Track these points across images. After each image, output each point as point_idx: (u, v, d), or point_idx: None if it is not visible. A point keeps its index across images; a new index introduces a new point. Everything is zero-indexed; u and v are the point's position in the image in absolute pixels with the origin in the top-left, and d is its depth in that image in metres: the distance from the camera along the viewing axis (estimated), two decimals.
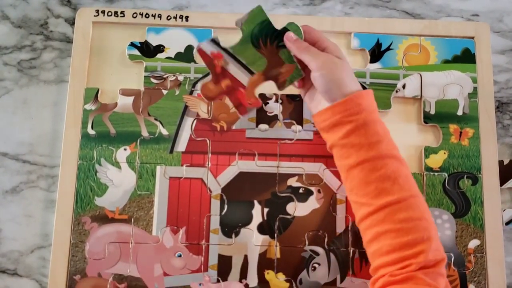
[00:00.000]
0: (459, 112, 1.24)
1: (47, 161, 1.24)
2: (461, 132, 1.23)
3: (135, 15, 1.27)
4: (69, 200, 1.18)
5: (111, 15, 1.27)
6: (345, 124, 1.00)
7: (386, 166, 0.97)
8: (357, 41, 1.27)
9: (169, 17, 1.26)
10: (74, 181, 1.19)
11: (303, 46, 1.06)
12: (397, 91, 1.24)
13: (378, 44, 1.27)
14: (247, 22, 1.07)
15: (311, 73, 1.04)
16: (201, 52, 1.07)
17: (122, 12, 1.27)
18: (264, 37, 1.08)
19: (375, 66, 1.26)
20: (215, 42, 1.08)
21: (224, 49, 1.08)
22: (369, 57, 1.27)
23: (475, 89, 1.25)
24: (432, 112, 1.24)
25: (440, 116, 1.24)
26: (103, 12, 1.26)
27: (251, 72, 1.08)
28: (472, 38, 1.27)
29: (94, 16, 1.26)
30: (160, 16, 1.27)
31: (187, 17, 1.26)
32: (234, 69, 1.08)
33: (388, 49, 1.27)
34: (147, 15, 1.26)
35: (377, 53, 1.27)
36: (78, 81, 1.23)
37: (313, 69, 1.03)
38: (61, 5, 1.32)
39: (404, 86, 1.24)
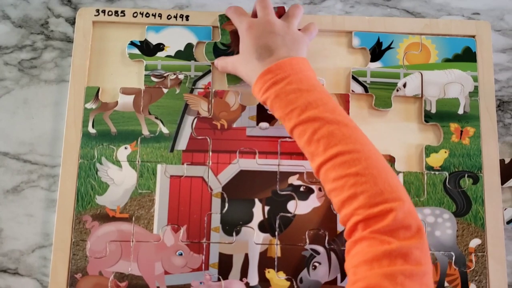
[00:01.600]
0: (460, 111, 1.24)
1: (48, 160, 1.24)
2: (462, 131, 1.23)
3: (135, 14, 1.27)
4: (70, 199, 1.17)
5: (111, 14, 1.27)
6: (265, 101, 1.07)
7: (325, 124, 0.99)
8: (358, 40, 1.27)
9: (169, 16, 1.26)
10: (75, 180, 1.18)
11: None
12: (397, 90, 1.24)
13: (379, 43, 1.27)
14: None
15: None
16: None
17: (122, 12, 1.27)
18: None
19: (376, 65, 1.26)
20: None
21: None
22: (369, 56, 1.26)
23: (476, 87, 1.25)
24: (433, 111, 1.24)
25: (441, 115, 1.23)
26: (103, 11, 1.26)
27: None
28: (473, 36, 1.27)
29: (95, 15, 1.26)
30: (160, 16, 1.27)
31: (187, 16, 1.26)
32: None
33: (388, 48, 1.27)
34: (147, 15, 1.27)
35: (377, 52, 1.27)
36: (79, 81, 1.23)
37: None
38: (62, 4, 1.32)
39: (404, 85, 1.24)
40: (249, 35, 1.12)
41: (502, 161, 1.22)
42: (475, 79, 1.25)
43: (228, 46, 1.24)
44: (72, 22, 1.31)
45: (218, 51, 1.24)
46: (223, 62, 1.20)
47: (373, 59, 1.26)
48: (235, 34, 1.22)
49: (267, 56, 1.07)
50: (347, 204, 0.93)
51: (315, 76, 1.08)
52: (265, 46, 1.08)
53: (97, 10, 1.26)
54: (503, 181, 1.21)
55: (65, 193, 1.18)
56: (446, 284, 1.15)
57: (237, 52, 1.19)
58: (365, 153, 0.95)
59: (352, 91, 1.24)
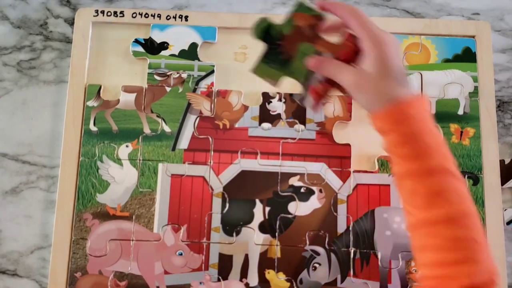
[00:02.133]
0: (460, 112, 1.24)
1: (47, 161, 1.24)
2: (462, 132, 1.23)
3: (134, 15, 1.27)
4: (69, 198, 1.18)
5: (110, 15, 1.27)
6: (390, 133, 0.93)
7: (434, 179, 0.91)
8: None
9: (168, 17, 1.27)
10: (74, 179, 1.19)
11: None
12: None
13: None
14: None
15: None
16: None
17: (121, 12, 1.27)
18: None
19: None
20: None
21: None
22: None
23: (475, 88, 1.25)
24: (433, 111, 1.24)
25: (440, 116, 1.24)
26: (102, 12, 1.27)
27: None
28: (473, 37, 1.27)
29: (94, 16, 1.27)
30: (159, 16, 1.27)
31: (186, 17, 1.27)
32: None
33: None
34: (146, 15, 1.27)
35: None
36: (78, 81, 1.23)
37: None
38: (61, 5, 1.32)
39: None
40: (386, 51, 0.93)
41: (502, 162, 1.22)
42: (475, 79, 1.26)
43: (281, 38, 1.00)
44: (71, 22, 1.30)
45: (269, 33, 1.01)
46: (338, 67, 0.95)
47: None
48: (298, 33, 0.99)
49: (404, 81, 0.95)
50: (444, 266, 0.92)
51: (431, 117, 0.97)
52: (401, 68, 0.95)
53: (96, 11, 1.27)
54: (503, 182, 1.21)
55: (64, 193, 1.18)
56: None
57: (286, 51, 0.99)
58: (471, 217, 0.93)
59: None
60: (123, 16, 1.27)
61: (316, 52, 0.97)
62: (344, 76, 0.94)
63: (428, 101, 0.98)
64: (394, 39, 0.95)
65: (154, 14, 1.27)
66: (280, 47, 1.00)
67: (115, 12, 1.27)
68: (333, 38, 0.98)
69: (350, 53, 0.95)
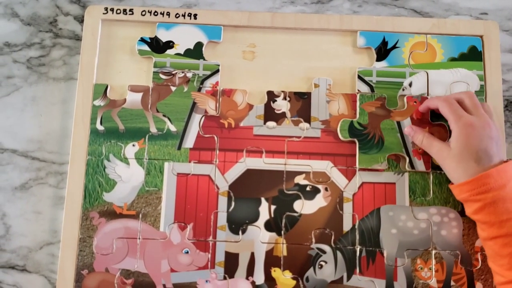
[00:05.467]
0: None
1: (56, 158, 1.24)
2: None
3: (143, 12, 1.27)
4: (78, 196, 1.18)
5: (119, 12, 1.27)
6: (473, 202, 1.05)
7: None
8: (363, 40, 1.27)
9: (177, 15, 1.27)
10: (83, 176, 1.19)
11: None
12: (403, 89, 1.24)
13: (384, 42, 1.27)
14: None
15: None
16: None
17: (130, 10, 1.27)
18: None
19: (382, 65, 1.26)
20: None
21: None
22: (375, 55, 1.27)
23: (481, 87, 1.24)
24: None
25: None
26: (111, 9, 1.27)
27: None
28: (481, 36, 1.26)
29: (103, 13, 1.27)
30: (168, 14, 1.27)
31: (195, 15, 1.27)
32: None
33: (394, 47, 1.27)
34: (155, 13, 1.27)
35: (383, 51, 1.27)
36: (87, 78, 1.23)
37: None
38: (70, 2, 1.33)
39: (410, 84, 1.24)
40: (470, 134, 1.09)
41: None
42: (481, 78, 1.25)
43: (364, 127, 1.23)
44: (80, 20, 1.31)
45: (353, 130, 1.23)
46: (427, 142, 1.16)
47: (379, 59, 1.27)
48: (374, 117, 1.23)
49: (487, 162, 1.06)
50: None
51: None
52: (486, 151, 1.07)
53: (106, 8, 1.27)
54: None
55: (73, 190, 1.18)
56: (452, 283, 1.15)
57: (374, 134, 1.21)
58: None
59: (358, 90, 1.24)
60: (132, 14, 1.27)
61: (397, 123, 1.23)
62: (432, 149, 1.16)
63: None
64: (484, 123, 1.10)
65: (163, 12, 1.27)
66: (367, 135, 1.22)
67: (124, 10, 1.27)
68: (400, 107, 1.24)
69: (419, 112, 1.22)
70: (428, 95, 1.24)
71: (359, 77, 1.25)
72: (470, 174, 1.06)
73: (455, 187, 1.09)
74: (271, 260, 1.17)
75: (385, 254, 1.17)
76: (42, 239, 1.21)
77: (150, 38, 1.27)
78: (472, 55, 1.26)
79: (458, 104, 1.12)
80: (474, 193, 1.04)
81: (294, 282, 1.16)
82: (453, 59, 1.26)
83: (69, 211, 1.17)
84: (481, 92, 1.24)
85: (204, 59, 1.26)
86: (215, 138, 1.21)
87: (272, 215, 1.18)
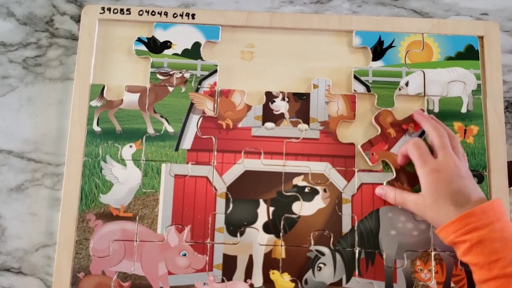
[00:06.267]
0: (463, 110, 1.23)
1: (52, 159, 1.24)
2: (465, 130, 1.22)
3: (141, 12, 1.26)
4: (74, 197, 1.17)
5: (117, 12, 1.26)
6: (460, 244, 1.03)
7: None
8: (359, 39, 1.27)
9: (175, 15, 1.26)
10: (79, 178, 1.18)
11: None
12: (400, 89, 1.24)
13: (380, 42, 1.27)
14: None
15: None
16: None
17: (128, 10, 1.26)
18: None
19: (378, 64, 1.26)
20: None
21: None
22: (371, 55, 1.26)
23: (479, 86, 1.24)
24: (436, 110, 1.23)
25: (444, 114, 1.23)
26: (108, 9, 1.26)
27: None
28: (481, 37, 1.26)
29: (100, 13, 1.26)
30: (166, 14, 1.26)
31: (193, 15, 1.26)
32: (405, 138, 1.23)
33: (390, 46, 1.26)
34: (153, 13, 1.26)
35: (379, 51, 1.26)
36: (84, 78, 1.23)
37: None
38: (67, 2, 1.32)
39: (407, 84, 1.24)
40: (438, 180, 1.08)
41: (510, 163, 1.21)
42: (478, 77, 1.25)
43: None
44: (77, 19, 1.30)
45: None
46: (400, 198, 1.15)
47: (375, 58, 1.26)
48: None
49: (465, 202, 1.05)
50: None
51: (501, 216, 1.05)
52: (460, 191, 1.06)
53: (103, 8, 1.26)
54: (511, 183, 1.20)
55: (70, 192, 1.17)
56: (452, 284, 1.15)
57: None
58: None
59: (354, 90, 1.24)
60: (130, 13, 1.26)
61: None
62: (407, 204, 1.14)
63: (500, 203, 1.06)
64: (450, 164, 1.11)
65: (161, 12, 1.26)
66: None
67: (121, 10, 1.26)
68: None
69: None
70: (425, 95, 1.24)
71: (355, 77, 1.25)
72: (450, 216, 1.05)
73: (440, 230, 1.07)
74: (270, 262, 1.16)
75: (384, 256, 1.16)
76: (38, 241, 1.20)
77: (147, 38, 1.26)
78: (469, 54, 1.26)
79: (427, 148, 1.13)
80: (459, 234, 1.02)
81: (293, 284, 1.15)
82: (449, 58, 1.26)
83: (65, 213, 1.17)
84: (478, 91, 1.24)
85: (202, 59, 1.25)
86: (213, 139, 1.21)
87: (271, 217, 1.18)
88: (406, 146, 1.15)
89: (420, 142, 1.13)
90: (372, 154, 1.20)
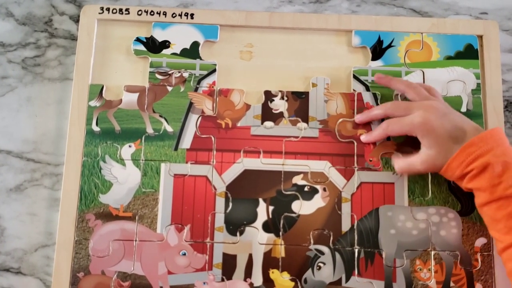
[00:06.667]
0: (463, 109, 1.23)
1: (51, 159, 1.24)
2: None
3: (140, 12, 1.26)
4: (74, 197, 1.17)
5: (115, 12, 1.26)
6: (467, 174, 1.05)
7: (510, 204, 1.00)
8: (358, 39, 1.27)
9: (174, 15, 1.26)
10: (78, 178, 1.18)
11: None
12: None
13: (380, 41, 1.27)
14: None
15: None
16: (359, 96, 1.24)
17: (127, 10, 1.26)
18: None
19: (377, 64, 1.26)
20: (375, 95, 1.24)
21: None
22: (370, 55, 1.26)
23: (478, 85, 1.24)
24: None
25: None
26: (107, 9, 1.26)
27: (388, 137, 1.21)
28: (481, 36, 1.26)
29: (99, 13, 1.26)
30: (165, 14, 1.26)
31: (192, 15, 1.26)
32: (376, 126, 1.21)
33: (389, 46, 1.26)
34: (152, 13, 1.26)
35: (378, 50, 1.26)
36: (83, 78, 1.23)
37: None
38: (66, 2, 1.32)
39: None
40: (432, 120, 1.09)
41: None
42: (477, 76, 1.25)
43: None
44: (76, 19, 1.30)
45: None
46: (405, 164, 1.15)
47: (374, 58, 1.26)
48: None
49: (462, 134, 1.07)
50: None
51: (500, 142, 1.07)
52: (454, 127, 1.08)
53: (101, 8, 1.26)
54: None
55: (69, 192, 1.17)
56: (452, 284, 1.15)
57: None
58: None
59: (354, 90, 1.24)
60: (128, 13, 1.26)
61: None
62: (414, 166, 1.13)
63: (500, 131, 1.08)
64: (433, 106, 1.12)
65: (160, 11, 1.26)
66: None
67: (120, 10, 1.26)
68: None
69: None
70: None
71: (354, 77, 1.25)
72: (453, 152, 1.06)
73: (445, 169, 1.08)
74: (269, 261, 1.16)
75: (383, 255, 1.16)
76: (37, 241, 1.20)
77: (146, 38, 1.26)
78: (469, 53, 1.26)
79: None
80: (464, 165, 1.04)
81: (292, 283, 1.15)
82: (449, 58, 1.26)
83: (64, 212, 1.16)
84: (478, 90, 1.24)
85: (201, 59, 1.25)
86: (212, 138, 1.21)
87: (270, 216, 1.18)
88: (396, 86, 1.20)
89: (393, 103, 1.19)
90: (370, 160, 1.21)
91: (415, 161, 1.12)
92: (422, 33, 1.27)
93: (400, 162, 1.16)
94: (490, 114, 1.22)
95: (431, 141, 1.08)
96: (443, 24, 1.27)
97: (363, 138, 1.20)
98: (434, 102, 1.12)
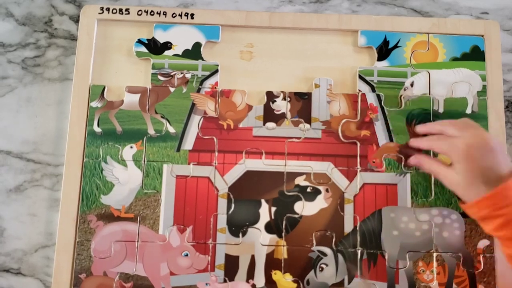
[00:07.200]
0: (468, 111, 1.23)
1: (51, 159, 1.23)
2: None
3: (140, 12, 1.26)
4: (73, 198, 1.17)
5: (115, 12, 1.26)
6: (494, 218, 1.00)
7: None
8: (364, 39, 1.27)
9: (174, 15, 1.26)
10: (78, 179, 1.18)
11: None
12: (405, 89, 1.24)
13: (386, 42, 1.26)
14: (414, 101, 1.24)
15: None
16: (363, 96, 1.24)
17: (127, 10, 1.26)
18: (417, 121, 1.22)
19: (383, 64, 1.25)
20: (378, 97, 1.23)
21: (382, 107, 1.24)
22: (376, 55, 1.26)
23: (484, 87, 1.24)
24: (441, 110, 1.23)
25: (449, 115, 1.23)
26: (107, 9, 1.26)
27: (390, 138, 1.22)
28: (482, 36, 1.26)
29: (99, 13, 1.26)
30: (165, 14, 1.26)
31: (192, 15, 1.26)
32: (379, 127, 1.23)
33: (395, 46, 1.26)
34: (152, 13, 1.26)
35: (384, 50, 1.26)
36: (83, 79, 1.22)
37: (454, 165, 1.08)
38: (66, 2, 1.31)
39: (412, 84, 1.24)
40: (471, 157, 1.05)
41: None
42: (483, 78, 1.24)
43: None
44: (76, 20, 1.30)
45: None
46: (436, 171, 1.12)
47: (380, 58, 1.26)
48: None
49: (496, 179, 1.01)
50: None
51: None
52: (490, 168, 1.03)
53: (101, 8, 1.26)
54: None
55: (69, 192, 1.17)
56: (454, 285, 1.15)
57: None
58: None
59: (359, 90, 1.24)
60: (128, 13, 1.26)
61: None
62: (440, 178, 1.12)
63: None
64: (478, 139, 1.07)
65: (160, 11, 1.26)
66: None
67: (120, 10, 1.26)
68: None
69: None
70: (430, 94, 1.23)
71: (360, 77, 1.24)
72: (482, 192, 1.01)
73: (472, 205, 1.03)
74: (272, 262, 1.16)
75: (386, 257, 1.16)
76: (37, 242, 1.20)
77: (148, 40, 1.25)
78: (475, 55, 1.26)
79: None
80: (495, 208, 0.99)
81: (295, 285, 1.15)
82: (455, 59, 1.26)
83: (64, 213, 1.16)
84: (484, 92, 1.23)
85: (203, 60, 1.25)
86: (214, 139, 1.20)
87: (273, 217, 1.17)
88: (440, 126, 1.14)
89: (450, 122, 1.14)
90: (373, 161, 1.21)
91: (444, 176, 1.10)
92: (428, 34, 1.27)
93: (431, 166, 1.13)
94: (491, 114, 1.22)
95: (461, 168, 1.05)
96: (443, 24, 1.26)
97: (412, 141, 1.19)
98: (486, 134, 1.08)
